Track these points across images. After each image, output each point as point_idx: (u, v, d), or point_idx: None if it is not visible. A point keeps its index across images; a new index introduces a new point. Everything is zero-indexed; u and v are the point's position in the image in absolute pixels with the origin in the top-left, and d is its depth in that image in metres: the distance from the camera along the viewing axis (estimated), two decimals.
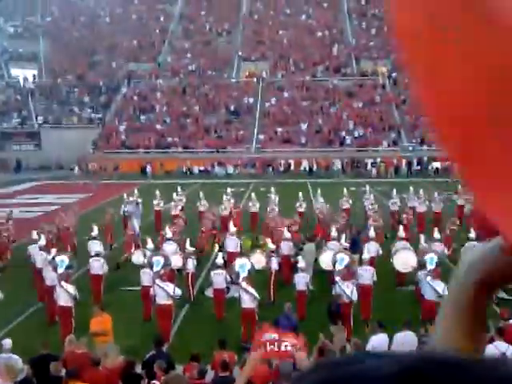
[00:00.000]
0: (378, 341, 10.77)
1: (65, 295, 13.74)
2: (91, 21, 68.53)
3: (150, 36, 65.82)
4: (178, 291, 14.16)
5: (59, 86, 59.32)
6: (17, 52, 63.81)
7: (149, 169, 45.95)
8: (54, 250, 16.77)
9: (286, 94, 55.80)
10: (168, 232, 19.07)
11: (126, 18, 68.35)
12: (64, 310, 13.70)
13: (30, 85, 59.81)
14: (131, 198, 27.19)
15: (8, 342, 10.57)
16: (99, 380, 9.30)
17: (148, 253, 16.30)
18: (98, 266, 16.60)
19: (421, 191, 26.75)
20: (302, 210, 25.83)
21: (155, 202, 26.68)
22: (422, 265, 14.93)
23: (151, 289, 14.19)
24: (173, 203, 26.48)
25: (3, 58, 62.66)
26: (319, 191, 27.90)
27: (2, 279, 14.90)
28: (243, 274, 14.42)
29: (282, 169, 46.43)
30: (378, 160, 46.82)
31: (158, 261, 14.99)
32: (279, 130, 51.48)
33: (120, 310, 14.28)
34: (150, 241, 17.98)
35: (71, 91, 58.90)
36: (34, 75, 61.65)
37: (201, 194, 27.40)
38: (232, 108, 54.59)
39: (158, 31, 66.45)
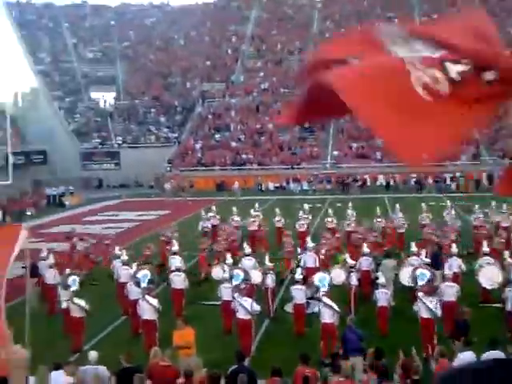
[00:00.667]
0: (465, 359, 10.44)
1: (149, 309, 13.98)
2: (166, 44, 70.30)
3: (223, 56, 66.90)
4: (257, 307, 14.05)
5: (137, 107, 60.99)
6: (96, 76, 66.03)
7: (237, 185, 46.08)
8: (135, 265, 17.15)
9: None
10: (246, 247, 19.19)
11: (200, 40, 69.75)
12: (148, 323, 13.94)
13: (109, 107, 61.75)
14: (209, 214, 27.55)
15: (94, 355, 10.79)
16: None
17: (227, 268, 16.42)
18: (178, 281, 16.87)
19: (504, 206, 25.89)
20: (379, 225, 25.45)
21: (233, 219, 26.92)
22: (509, 281, 14.42)
23: (232, 303, 14.26)
24: (250, 219, 26.62)
25: (83, 82, 64.96)
26: (397, 206, 27.46)
27: (87, 293, 15.31)
28: (323, 289, 14.30)
29: (358, 184, 46.01)
30: (458, 174, 45.79)
31: (238, 275, 15.08)
32: (354, 145, 51.10)
33: (200, 324, 14.38)
34: (228, 256, 18.10)
35: (148, 112, 60.44)
36: (114, 97, 63.68)
37: (277, 210, 27.45)
38: (306, 124, 54.59)
39: (230, 52, 67.45)
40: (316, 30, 68.54)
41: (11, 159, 34.33)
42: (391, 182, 46.37)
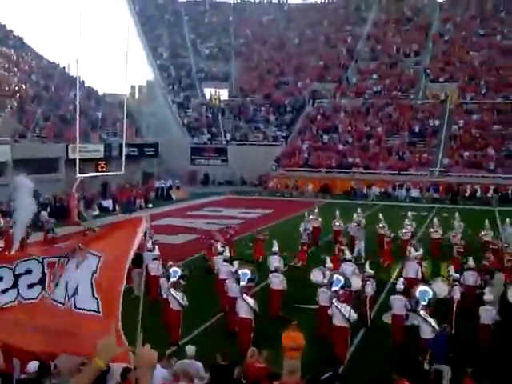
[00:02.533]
0: None
1: (246, 307, 14.10)
2: (281, 42, 70.68)
3: (337, 57, 66.41)
4: (354, 315, 13.85)
5: (247, 104, 61.73)
6: (210, 72, 67.44)
7: (374, 189, 45.65)
8: (236, 263, 17.35)
9: (474, 117, 53.43)
10: (347, 252, 18.97)
11: (315, 40, 69.64)
12: (244, 322, 14.06)
13: (221, 103, 62.90)
14: (311, 217, 27.46)
15: (192, 349, 10.96)
16: None
17: (327, 272, 16.26)
18: (277, 282, 16.91)
19: None
20: (487, 238, 24.46)
21: (335, 222, 26.71)
22: None
23: (329, 309, 14.11)
24: (352, 224, 26.29)
25: (198, 77, 66.52)
26: (508, 220, 26.29)
27: (186, 288, 15.63)
28: (423, 303, 13.88)
29: (467, 194, 44.37)
30: None
31: (338, 280, 14.90)
32: (466, 153, 49.33)
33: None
34: (328, 260, 17.95)
35: (258, 109, 61.02)
36: (226, 94, 64.95)
37: (380, 216, 26.96)
38: (416, 130, 53.34)
39: (344, 52, 66.87)
40: (435, 32, 66.60)
41: (125, 150, 35.68)
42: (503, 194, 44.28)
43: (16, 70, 49.68)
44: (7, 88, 44.85)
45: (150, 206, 39.40)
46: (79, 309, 4.74)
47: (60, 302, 4.88)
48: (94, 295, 4.70)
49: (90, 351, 4.11)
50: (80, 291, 4.75)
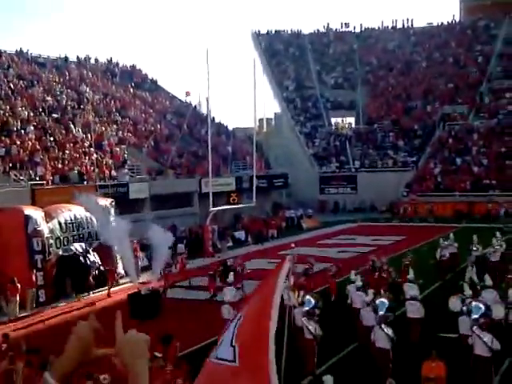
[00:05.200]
0: None
1: (384, 337, 13.82)
2: (408, 67, 69.59)
3: (467, 78, 64.33)
4: (497, 344, 13.18)
5: (375, 131, 61.14)
6: (337, 101, 67.56)
7: None
8: (371, 292, 17.08)
9: None
10: (488, 279, 18.12)
11: (443, 62, 67.95)
12: (382, 352, 13.77)
13: (348, 131, 62.75)
14: (446, 243, 26.55)
15: (329, 379, 10.92)
16: None
17: (467, 300, 15.61)
18: (413, 310, 16.47)
19: None
20: None
21: (472, 247, 25.66)
22: None
23: (469, 338, 13.54)
24: (491, 249, 25.11)
25: (324, 106, 66.87)
26: None
27: (321, 317, 15.60)
28: None
29: None
30: None
31: (478, 307, 14.26)
32: None
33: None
34: (466, 286, 17.25)
35: (386, 136, 60.22)
36: (353, 122, 64.79)
37: None
38: None
39: (476, 72, 64.64)
40: None
41: (255, 182, 36.42)
42: None
43: (151, 111, 52.45)
44: (144, 129, 47.40)
45: (293, 245, 39.69)
46: (218, 359, 4.41)
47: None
48: (231, 344, 4.37)
49: None
50: (222, 343, 4.47)
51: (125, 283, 25.59)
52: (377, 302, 15.58)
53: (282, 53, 74.46)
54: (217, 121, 56.15)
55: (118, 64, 59.61)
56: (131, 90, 54.59)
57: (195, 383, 4.56)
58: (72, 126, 40.39)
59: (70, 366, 2.07)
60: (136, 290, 21.73)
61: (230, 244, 36.66)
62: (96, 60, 57.30)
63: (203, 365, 4.54)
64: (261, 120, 67.24)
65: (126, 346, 2.01)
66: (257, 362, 4.23)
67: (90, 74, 48.63)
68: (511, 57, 64.64)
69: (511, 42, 66.55)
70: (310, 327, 14.68)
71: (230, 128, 58.90)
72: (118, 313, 2.13)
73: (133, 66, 60.97)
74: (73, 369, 2.07)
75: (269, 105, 69.84)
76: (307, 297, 16.30)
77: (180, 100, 59.69)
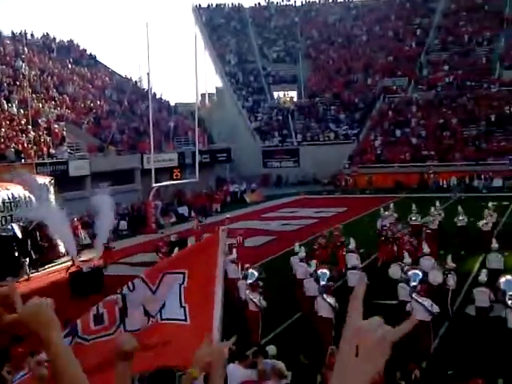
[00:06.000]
0: None
1: (326, 306, 14.02)
2: (348, 41, 70.00)
3: (406, 51, 65.17)
4: (436, 308, 13.62)
5: (317, 104, 61.49)
6: (278, 75, 67.53)
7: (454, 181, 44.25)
8: (313, 262, 17.28)
9: None
10: (425, 247, 18.59)
11: (383, 36, 68.59)
12: (325, 321, 13.98)
13: (291, 105, 62.92)
14: (386, 213, 27.04)
15: (273, 349, 11.00)
16: None
17: (406, 267, 15.98)
18: (355, 279, 16.73)
19: None
20: None
21: (411, 217, 26.21)
22: None
23: (408, 304, 13.89)
24: (431, 217, 25.71)
25: (266, 81, 66.78)
26: None
27: (265, 287, 15.73)
28: (510, 292, 13.44)
29: None
30: None
31: (417, 275, 14.62)
32: None
33: None
34: (406, 254, 17.65)
35: (328, 109, 60.67)
36: (295, 95, 64.95)
37: (459, 208, 26.29)
38: (493, 118, 51.70)
39: (414, 45, 65.52)
40: (508, 18, 64.08)
41: (198, 158, 36.20)
42: None
43: (90, 87, 51.33)
44: (83, 105, 46.40)
45: (228, 215, 39.73)
46: (165, 319, 4.61)
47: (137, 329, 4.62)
48: (181, 305, 4.61)
49: (182, 362, 4.05)
50: (167, 304, 4.64)
51: (66, 261, 25.17)
52: (318, 272, 15.79)
53: (223, 27, 73.86)
54: (158, 96, 55.46)
55: (54, 39, 58.03)
56: (69, 65, 53.24)
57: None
58: (7, 103, 39.20)
59: None
60: (77, 269, 21.40)
61: (174, 220, 36.48)
62: (32, 35, 55.66)
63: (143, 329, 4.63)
64: (203, 95, 66.64)
65: (29, 313, 1.95)
66: (204, 320, 4.51)
67: (25, 49, 47.24)
68: (449, 29, 65.79)
69: (448, 15, 67.67)
70: (253, 299, 14.77)
71: (172, 103, 58.36)
72: (11, 285, 2.07)
73: (70, 41, 59.41)
74: None
75: (211, 79, 69.22)
76: (250, 270, 16.40)
77: (120, 75, 58.59)
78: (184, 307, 4.60)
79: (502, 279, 14.27)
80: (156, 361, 4.61)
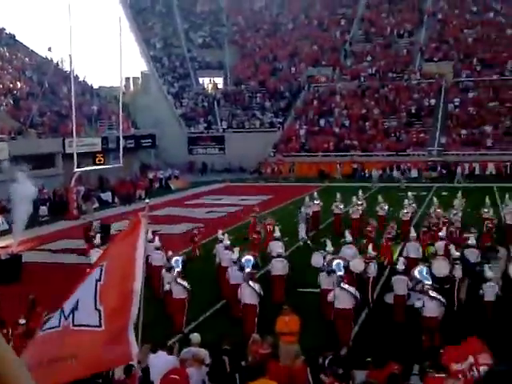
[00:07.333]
0: None
1: (251, 293, 14.13)
2: (274, 28, 70.25)
3: (331, 40, 66.01)
4: (358, 295, 14.01)
5: (242, 92, 61.56)
6: (204, 61, 67.09)
7: (375, 172, 44.40)
8: (237, 250, 17.33)
9: (470, 95, 53.36)
10: (348, 236, 18.99)
11: (308, 25, 69.21)
12: (249, 308, 14.10)
13: (216, 92, 62.71)
14: (310, 202, 27.39)
15: (197, 337, 11.00)
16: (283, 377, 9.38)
17: (328, 256, 16.28)
18: (279, 267, 16.95)
19: None
20: (488, 216, 24.48)
21: (335, 206, 26.69)
22: None
23: (330, 293, 14.16)
24: (353, 207, 26.30)
25: (192, 66, 66.23)
26: (507, 196, 26.33)
27: (188, 275, 15.72)
28: (426, 281, 13.94)
29: (466, 172, 44.31)
30: None
31: (339, 264, 14.93)
32: (463, 132, 49.33)
33: (298, 311, 14.34)
34: (329, 243, 17.96)
35: (254, 97, 60.85)
36: (221, 82, 64.74)
37: (380, 198, 27.00)
38: (413, 110, 53.25)
39: (338, 35, 66.45)
40: (428, 11, 65.93)
41: (122, 143, 35.60)
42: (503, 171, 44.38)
43: (9, 67, 49.48)
44: (1, 86, 44.71)
45: (147, 200, 39.29)
46: (78, 325, 4.47)
47: (54, 327, 4.58)
48: (96, 307, 4.48)
49: (96, 369, 3.97)
50: (80, 305, 4.52)
51: None
52: (243, 259, 15.89)
53: (148, 10, 72.60)
54: (81, 79, 54.04)
55: None
56: None
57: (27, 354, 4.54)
58: None
59: None
60: None
61: (97, 205, 35.82)
62: None
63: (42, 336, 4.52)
64: (127, 79, 65.53)
65: None
66: (119, 324, 4.38)
67: None
68: (371, 21, 67.05)
69: (371, 6, 68.94)
70: (178, 287, 14.73)
71: (96, 87, 57.00)
72: None
73: None
74: None
75: (136, 63, 68.12)
76: (174, 258, 16.32)
77: (41, 56, 56.68)
78: (99, 310, 4.45)
79: (416, 268, 14.78)
80: (69, 375, 4.47)
